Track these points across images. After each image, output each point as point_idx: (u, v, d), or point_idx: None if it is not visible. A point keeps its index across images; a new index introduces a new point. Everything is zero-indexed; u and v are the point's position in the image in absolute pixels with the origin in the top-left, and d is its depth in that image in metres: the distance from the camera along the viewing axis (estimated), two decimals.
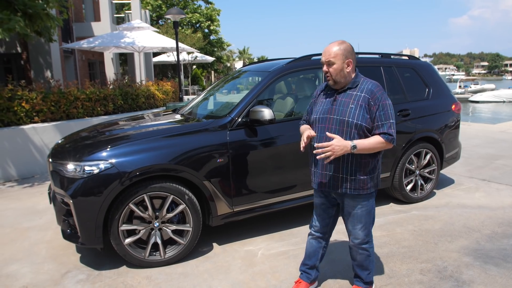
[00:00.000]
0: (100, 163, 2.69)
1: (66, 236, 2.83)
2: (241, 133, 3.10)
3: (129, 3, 18.19)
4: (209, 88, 4.42)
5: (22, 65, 11.48)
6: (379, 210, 3.89)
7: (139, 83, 8.77)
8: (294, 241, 3.24)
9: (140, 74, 14.04)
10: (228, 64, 41.68)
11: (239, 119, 3.11)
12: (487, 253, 2.95)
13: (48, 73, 10.98)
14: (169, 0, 26.42)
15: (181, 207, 2.86)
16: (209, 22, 28.35)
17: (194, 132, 3.05)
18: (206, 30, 28.56)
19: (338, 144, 2.02)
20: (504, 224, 3.49)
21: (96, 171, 2.66)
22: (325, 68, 2.16)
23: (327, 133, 2.12)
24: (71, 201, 2.65)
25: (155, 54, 20.70)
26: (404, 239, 3.23)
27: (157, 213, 2.84)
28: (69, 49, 13.66)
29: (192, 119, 3.49)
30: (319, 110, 2.24)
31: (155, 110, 7.73)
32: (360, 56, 4.09)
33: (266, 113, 2.98)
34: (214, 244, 3.24)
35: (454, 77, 70.36)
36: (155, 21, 26.18)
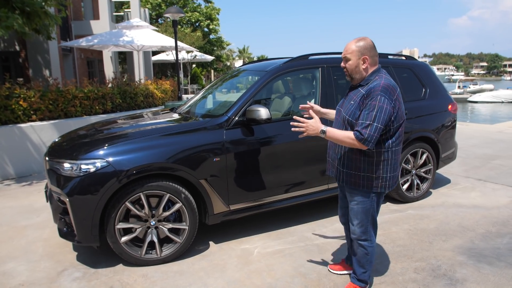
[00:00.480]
0: (97, 161, 2.70)
1: (63, 234, 2.84)
2: (237, 132, 3.11)
3: (129, 2, 18.17)
4: (207, 87, 4.43)
5: (20, 63, 11.46)
6: None
7: (138, 81, 8.78)
8: (291, 240, 3.26)
9: (139, 72, 14.04)
10: (228, 63, 41.68)
11: (236, 118, 3.12)
12: (481, 252, 2.97)
13: (46, 72, 10.97)
14: None
15: (177, 206, 2.87)
16: (209, 21, 28.33)
17: (191, 131, 3.06)
18: (206, 29, 28.54)
19: (312, 124, 2.18)
20: (499, 223, 3.51)
21: (92, 169, 2.67)
22: (342, 63, 2.23)
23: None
24: (68, 199, 2.66)
25: (154, 53, 20.70)
26: (399, 238, 3.25)
27: (153, 212, 2.85)
28: (67, 47, 13.65)
29: (189, 118, 3.50)
30: (339, 103, 2.39)
31: (153, 109, 7.74)
32: None
33: (263, 112, 2.99)
34: (211, 243, 3.25)
35: (454, 77, 70.45)
36: (155, 19, 26.14)
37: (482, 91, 39.53)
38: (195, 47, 19.20)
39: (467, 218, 3.65)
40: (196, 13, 27.73)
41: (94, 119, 6.36)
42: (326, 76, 3.60)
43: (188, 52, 17.17)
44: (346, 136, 2.10)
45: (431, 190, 4.46)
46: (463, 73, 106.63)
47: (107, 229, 2.74)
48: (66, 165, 2.75)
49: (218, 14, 29.26)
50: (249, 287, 2.57)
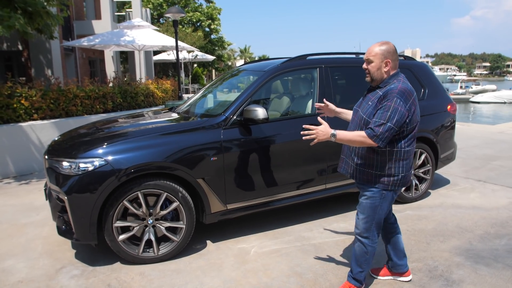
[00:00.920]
0: (95, 160, 2.72)
1: (61, 232, 2.87)
2: (235, 132, 3.12)
3: (130, 2, 18.22)
4: (206, 86, 4.45)
5: (23, 62, 11.54)
6: None
7: (139, 81, 8.80)
8: (288, 239, 3.27)
9: (140, 72, 14.08)
10: (230, 63, 41.70)
11: (233, 118, 3.13)
12: (478, 253, 2.97)
13: (48, 71, 11.03)
14: None
15: (174, 205, 2.89)
16: (210, 21, 28.37)
17: (189, 130, 3.07)
18: (207, 29, 28.58)
19: (322, 130, 2.20)
20: (497, 224, 3.51)
21: (90, 168, 2.69)
22: (364, 65, 2.27)
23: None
24: (66, 197, 2.68)
25: (156, 53, 20.74)
26: None
27: (151, 210, 2.87)
28: (69, 47, 13.71)
29: (187, 117, 3.52)
30: (356, 104, 2.42)
31: (154, 109, 7.76)
32: (356, 56, 4.11)
33: (260, 112, 3.00)
34: (208, 242, 3.27)
35: (456, 77, 70.21)
36: (156, 19, 26.20)
37: (485, 91, 39.38)
38: (196, 47, 19.24)
39: (465, 219, 3.64)
40: (197, 13, 27.78)
41: (94, 118, 6.39)
42: (324, 76, 3.61)
43: (189, 52, 17.20)
44: (357, 135, 2.17)
45: (430, 190, 4.45)
46: (465, 74, 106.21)
47: (105, 227, 2.76)
48: (65, 163, 2.77)
49: (219, 14, 29.30)
50: (245, 286, 2.58)
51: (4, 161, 5.48)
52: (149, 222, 2.87)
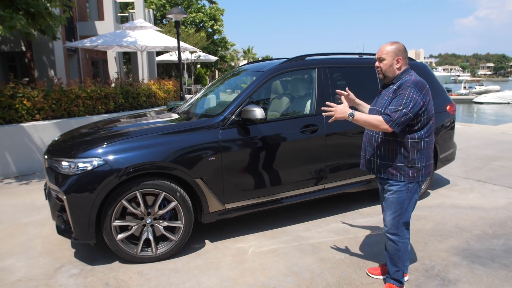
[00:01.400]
0: (94, 160, 2.75)
1: (60, 231, 2.90)
2: (233, 132, 3.14)
3: (133, 2, 18.31)
4: (206, 87, 4.47)
5: (26, 63, 11.62)
6: (371, 210, 3.92)
7: (141, 81, 8.85)
8: (285, 239, 3.28)
9: (143, 73, 14.15)
10: (233, 64, 41.77)
11: (231, 118, 3.15)
12: (475, 253, 2.97)
13: (51, 72, 11.11)
14: None
15: (172, 204, 2.91)
16: (213, 21, 28.45)
17: (187, 130, 3.10)
18: (210, 30, 28.65)
19: (341, 108, 2.33)
20: (496, 224, 3.50)
21: (89, 167, 2.72)
22: (377, 63, 2.39)
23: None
24: (65, 197, 2.71)
25: (159, 53, 20.84)
26: None
27: (149, 210, 2.89)
28: (72, 47, 13.80)
29: (187, 117, 3.54)
30: (372, 103, 2.51)
31: (155, 109, 7.79)
32: (355, 57, 4.11)
33: (258, 112, 3.02)
34: (206, 241, 3.29)
35: (460, 78, 69.86)
36: (159, 20, 26.31)
37: (488, 92, 39.13)
38: (199, 48, 19.30)
39: (464, 219, 3.64)
40: (200, 13, 27.86)
41: (96, 118, 6.43)
42: (322, 76, 3.62)
43: (191, 52, 17.26)
44: (373, 118, 2.27)
45: (429, 191, 4.45)
46: (469, 74, 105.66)
47: (103, 226, 2.78)
48: (64, 163, 2.80)
49: (222, 15, 29.37)
50: (242, 285, 2.60)
51: (5, 161, 5.53)
52: (147, 222, 2.90)
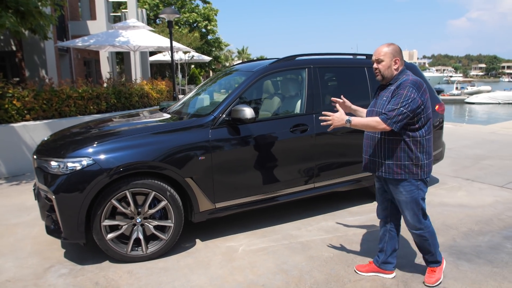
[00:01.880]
0: (83, 159, 2.75)
1: (50, 231, 2.89)
2: (223, 132, 3.16)
3: (126, 2, 18.21)
4: (198, 86, 4.48)
5: (16, 63, 11.51)
6: (361, 209, 3.97)
7: (134, 81, 8.82)
8: (275, 238, 3.31)
9: (136, 73, 14.08)
10: (227, 64, 41.73)
11: (221, 118, 3.17)
12: (461, 249, 3.03)
13: (42, 71, 11.00)
14: None
15: (163, 203, 2.92)
16: (207, 22, 28.39)
17: (177, 130, 3.11)
18: (204, 30, 28.59)
19: (338, 116, 2.37)
20: (482, 222, 3.57)
21: (78, 167, 2.72)
22: (374, 65, 2.43)
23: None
24: (54, 197, 2.70)
25: (152, 53, 20.73)
26: None
27: (139, 209, 2.90)
28: (64, 47, 13.68)
29: (177, 117, 3.55)
30: (370, 104, 2.55)
31: (147, 109, 7.77)
32: (345, 57, 4.16)
33: (247, 112, 3.04)
34: (197, 240, 3.30)
35: (452, 78, 70.65)
36: (153, 20, 26.18)
37: (480, 92, 39.68)
38: (192, 48, 19.25)
39: (451, 217, 3.70)
40: (194, 14, 27.79)
41: (88, 119, 6.39)
42: (312, 76, 3.65)
43: (185, 52, 17.21)
44: (371, 120, 2.33)
45: None
46: (461, 75, 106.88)
47: (93, 226, 2.78)
48: (53, 163, 2.80)
49: (216, 15, 29.33)
50: (231, 284, 2.62)
51: None
52: (137, 221, 2.90)
